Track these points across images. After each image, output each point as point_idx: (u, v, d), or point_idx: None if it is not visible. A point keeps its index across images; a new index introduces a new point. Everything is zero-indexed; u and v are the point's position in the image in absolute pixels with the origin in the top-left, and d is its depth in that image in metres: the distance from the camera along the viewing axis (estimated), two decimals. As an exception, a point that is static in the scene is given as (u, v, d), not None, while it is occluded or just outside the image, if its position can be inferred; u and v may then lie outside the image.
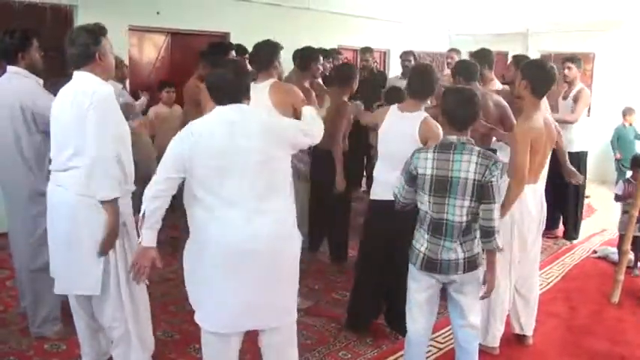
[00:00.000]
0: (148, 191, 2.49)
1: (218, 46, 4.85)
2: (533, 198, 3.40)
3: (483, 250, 2.80)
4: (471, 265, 2.78)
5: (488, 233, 2.72)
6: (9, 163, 3.32)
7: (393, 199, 3.27)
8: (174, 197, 2.56)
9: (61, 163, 2.79)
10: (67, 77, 2.87)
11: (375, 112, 3.75)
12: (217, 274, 2.50)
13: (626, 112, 7.95)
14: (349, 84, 4.54)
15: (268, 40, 3.88)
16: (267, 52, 3.79)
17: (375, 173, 3.68)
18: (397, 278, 3.34)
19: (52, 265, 2.96)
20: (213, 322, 2.58)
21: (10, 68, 3.34)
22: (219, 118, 2.50)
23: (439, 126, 3.29)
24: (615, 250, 5.11)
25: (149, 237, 2.50)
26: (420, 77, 3.55)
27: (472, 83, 4.03)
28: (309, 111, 2.93)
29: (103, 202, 2.69)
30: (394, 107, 3.60)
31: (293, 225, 2.64)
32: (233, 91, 2.52)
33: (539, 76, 3.29)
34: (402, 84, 4.81)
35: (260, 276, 2.50)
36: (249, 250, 2.45)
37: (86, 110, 2.64)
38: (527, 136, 3.22)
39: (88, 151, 2.66)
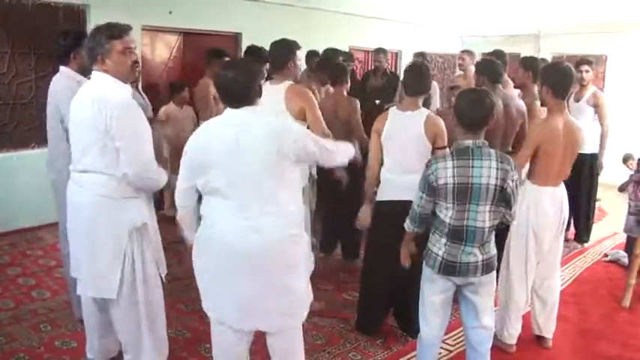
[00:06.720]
0: (176, 199, 2.60)
1: (251, 52, 4.82)
2: (552, 201, 3.42)
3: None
4: (489, 267, 2.78)
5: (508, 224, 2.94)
6: (59, 155, 3.35)
7: (399, 199, 3.27)
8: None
9: (83, 166, 2.72)
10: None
11: (378, 121, 3.58)
12: (218, 271, 2.51)
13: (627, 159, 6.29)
14: (345, 80, 4.62)
15: (283, 39, 3.70)
16: (280, 52, 3.62)
17: (382, 175, 3.61)
18: (407, 279, 3.34)
19: (73, 264, 2.91)
20: (216, 312, 2.60)
21: (62, 69, 3.37)
22: (226, 120, 2.48)
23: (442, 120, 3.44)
24: (626, 253, 5.08)
25: (190, 237, 2.67)
26: (416, 75, 3.56)
27: (496, 85, 3.98)
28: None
29: None
30: (393, 110, 3.56)
31: (298, 228, 2.56)
32: (241, 93, 2.45)
33: (558, 79, 3.35)
34: None
35: (258, 278, 2.46)
36: (250, 251, 2.42)
37: (110, 120, 2.58)
38: (536, 134, 3.36)
39: (131, 160, 2.67)
